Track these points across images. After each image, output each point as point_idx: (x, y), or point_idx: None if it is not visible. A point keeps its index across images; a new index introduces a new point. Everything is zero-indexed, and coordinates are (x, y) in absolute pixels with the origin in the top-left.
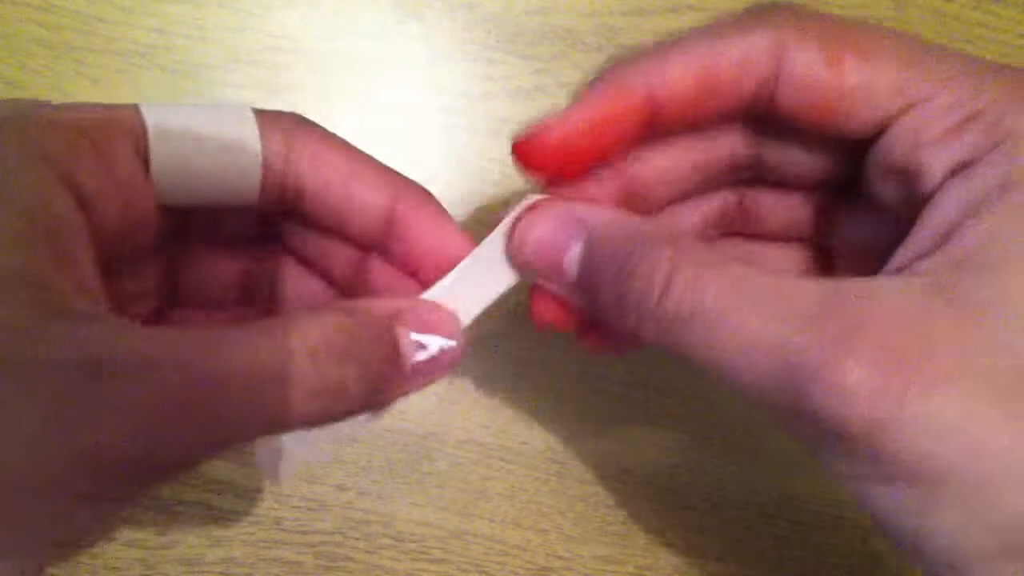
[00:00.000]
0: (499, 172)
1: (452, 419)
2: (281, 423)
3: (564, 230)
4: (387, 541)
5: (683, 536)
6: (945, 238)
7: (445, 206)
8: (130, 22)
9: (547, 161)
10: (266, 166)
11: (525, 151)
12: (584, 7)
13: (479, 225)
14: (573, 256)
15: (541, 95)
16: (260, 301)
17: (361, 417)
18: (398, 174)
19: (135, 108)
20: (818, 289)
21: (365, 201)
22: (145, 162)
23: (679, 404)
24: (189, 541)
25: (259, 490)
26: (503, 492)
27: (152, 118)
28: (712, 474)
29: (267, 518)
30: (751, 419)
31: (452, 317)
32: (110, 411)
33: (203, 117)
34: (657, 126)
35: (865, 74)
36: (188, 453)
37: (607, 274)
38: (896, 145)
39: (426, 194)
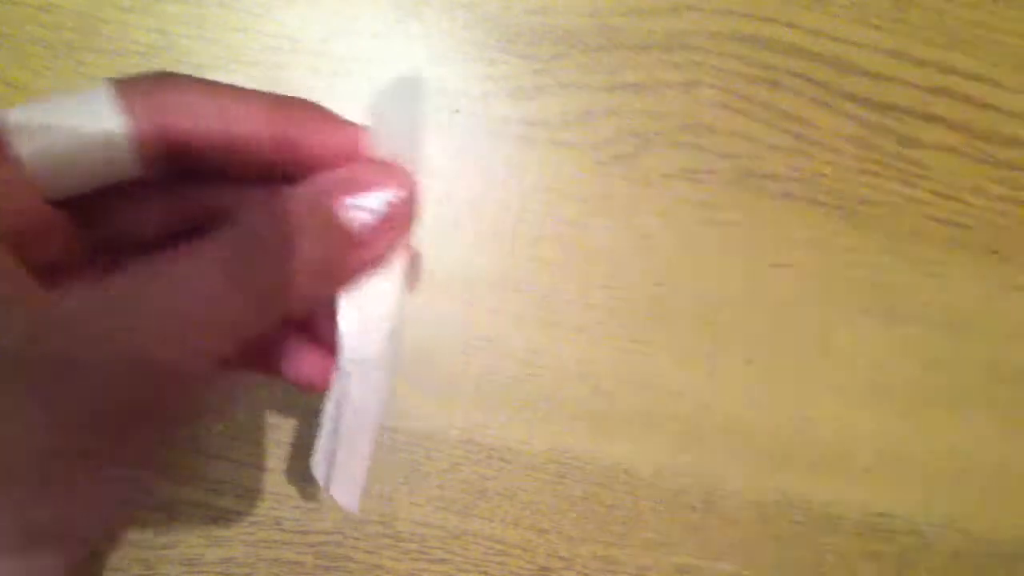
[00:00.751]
0: (500, 172)
1: (452, 419)
2: (227, 336)
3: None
4: (387, 541)
5: (683, 536)
6: None
7: (445, 206)
8: (130, 22)
9: None
10: (137, 136)
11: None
12: (584, 7)
13: (480, 225)
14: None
15: (541, 95)
16: None
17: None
18: (273, 95)
19: None
20: None
21: (246, 133)
22: (20, 162)
23: (679, 404)
24: (189, 541)
25: (259, 490)
26: (503, 492)
27: (12, 117)
28: (712, 474)
29: (267, 518)
30: (751, 419)
31: (392, 168)
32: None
33: (62, 104)
34: None
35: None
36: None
37: None
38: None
39: (305, 104)
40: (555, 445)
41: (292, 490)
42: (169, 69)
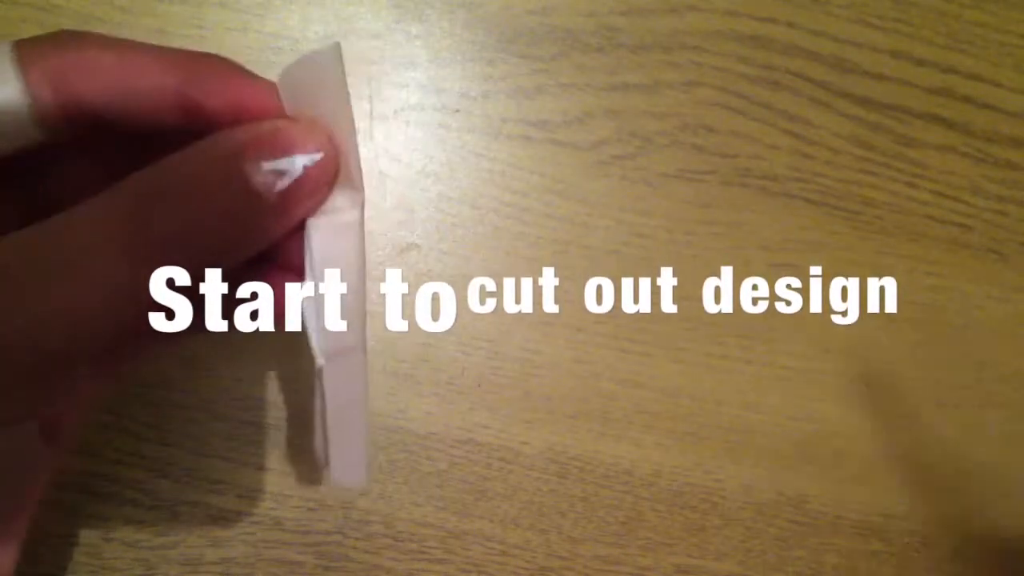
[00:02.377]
0: (500, 172)
1: (452, 419)
2: (111, 312)
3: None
4: (387, 541)
5: (683, 536)
6: None
7: (444, 206)
8: (130, 22)
9: None
10: (34, 100)
11: None
12: (584, 7)
13: (480, 225)
14: None
15: (541, 95)
16: None
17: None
18: (183, 51)
19: None
20: None
21: (148, 89)
22: None
23: (679, 404)
24: (189, 541)
25: (259, 490)
26: (503, 492)
27: None
28: (712, 474)
29: (267, 518)
30: (751, 419)
31: (309, 128)
32: None
33: None
34: None
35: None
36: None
37: None
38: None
39: (213, 58)
40: (555, 445)
41: (292, 490)
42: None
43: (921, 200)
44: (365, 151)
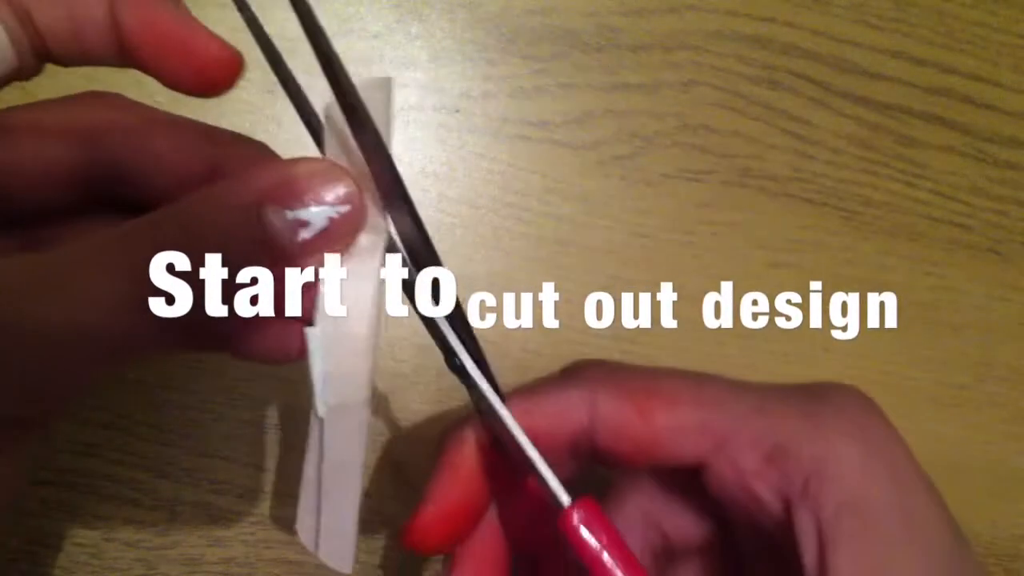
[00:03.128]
0: (500, 172)
1: (452, 419)
2: (114, 356)
3: None
4: (388, 542)
5: None
6: None
7: (444, 206)
8: None
9: (434, 544)
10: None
11: (417, 546)
12: (584, 7)
13: (480, 225)
14: None
15: (541, 95)
16: None
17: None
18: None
19: None
20: None
21: (79, 15)
22: None
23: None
24: (189, 541)
25: (259, 490)
26: None
27: None
28: None
29: (267, 518)
30: None
31: (336, 177)
32: None
33: None
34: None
35: (672, 419)
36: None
37: None
38: (725, 476)
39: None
40: None
41: (292, 490)
42: None
43: (921, 200)
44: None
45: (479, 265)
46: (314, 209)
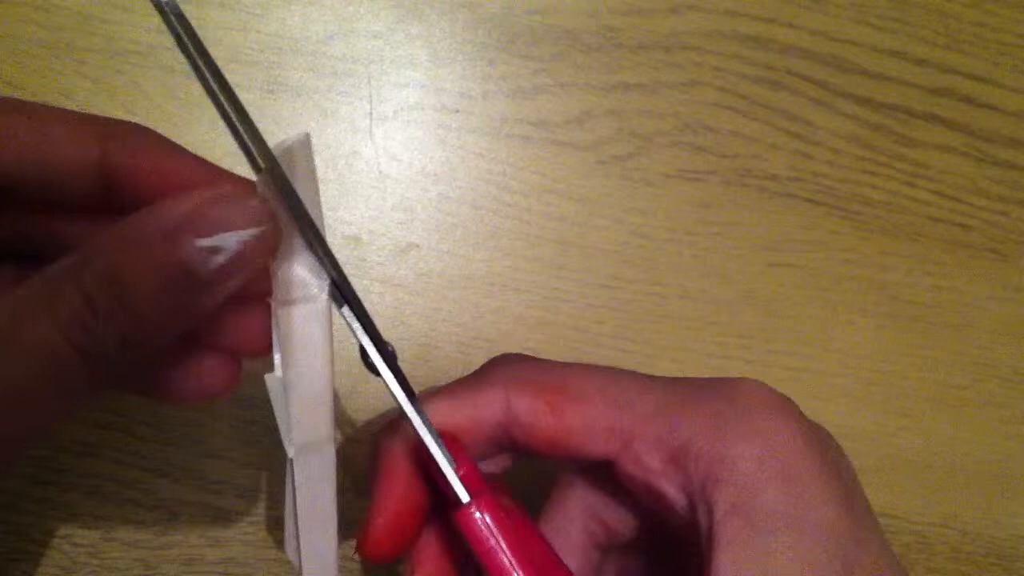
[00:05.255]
0: (499, 172)
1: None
2: (44, 402)
3: None
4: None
5: None
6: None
7: (444, 206)
8: (130, 22)
9: (387, 553)
10: None
11: (372, 558)
12: (584, 7)
13: (480, 225)
14: None
15: (541, 95)
16: None
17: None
18: (98, 118)
19: None
20: None
21: (66, 158)
22: None
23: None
24: (189, 541)
25: (259, 490)
26: None
27: None
28: None
29: (267, 518)
30: None
31: (244, 200)
32: None
33: None
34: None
35: (581, 417)
36: None
37: None
38: (632, 473)
39: (137, 128)
40: None
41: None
42: (169, 69)
43: (921, 200)
44: (365, 151)
45: (479, 265)
46: (223, 235)
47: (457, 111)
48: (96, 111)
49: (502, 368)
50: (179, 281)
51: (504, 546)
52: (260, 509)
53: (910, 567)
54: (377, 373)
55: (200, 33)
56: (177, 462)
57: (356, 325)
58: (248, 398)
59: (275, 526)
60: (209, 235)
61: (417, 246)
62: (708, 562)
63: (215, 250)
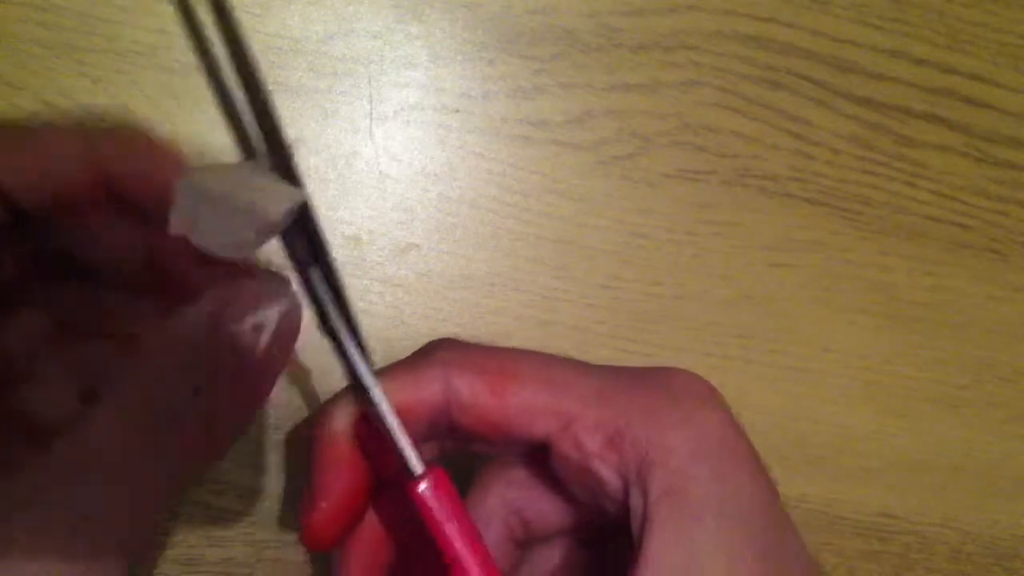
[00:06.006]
0: (499, 172)
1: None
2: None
3: None
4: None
5: None
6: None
7: (444, 206)
8: (130, 22)
9: (334, 538)
10: None
11: (315, 545)
12: (584, 7)
13: (480, 225)
14: None
15: (541, 95)
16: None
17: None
18: (86, 128)
19: None
20: None
21: (59, 171)
22: None
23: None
24: (189, 541)
25: (259, 490)
26: None
27: None
28: None
29: (267, 518)
30: (750, 419)
31: (271, 279)
32: None
33: None
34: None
35: (523, 398)
36: None
37: None
38: (569, 455)
39: (123, 134)
40: None
41: (293, 491)
42: (169, 69)
43: (921, 200)
44: (365, 151)
45: (479, 265)
46: (267, 310)
47: (457, 111)
48: (96, 111)
49: (441, 351)
50: (241, 363)
51: (459, 519)
52: (260, 509)
53: (910, 567)
54: (335, 338)
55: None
56: None
57: (321, 285)
58: None
59: (275, 526)
60: (251, 315)
61: (417, 246)
62: (639, 542)
63: (260, 327)
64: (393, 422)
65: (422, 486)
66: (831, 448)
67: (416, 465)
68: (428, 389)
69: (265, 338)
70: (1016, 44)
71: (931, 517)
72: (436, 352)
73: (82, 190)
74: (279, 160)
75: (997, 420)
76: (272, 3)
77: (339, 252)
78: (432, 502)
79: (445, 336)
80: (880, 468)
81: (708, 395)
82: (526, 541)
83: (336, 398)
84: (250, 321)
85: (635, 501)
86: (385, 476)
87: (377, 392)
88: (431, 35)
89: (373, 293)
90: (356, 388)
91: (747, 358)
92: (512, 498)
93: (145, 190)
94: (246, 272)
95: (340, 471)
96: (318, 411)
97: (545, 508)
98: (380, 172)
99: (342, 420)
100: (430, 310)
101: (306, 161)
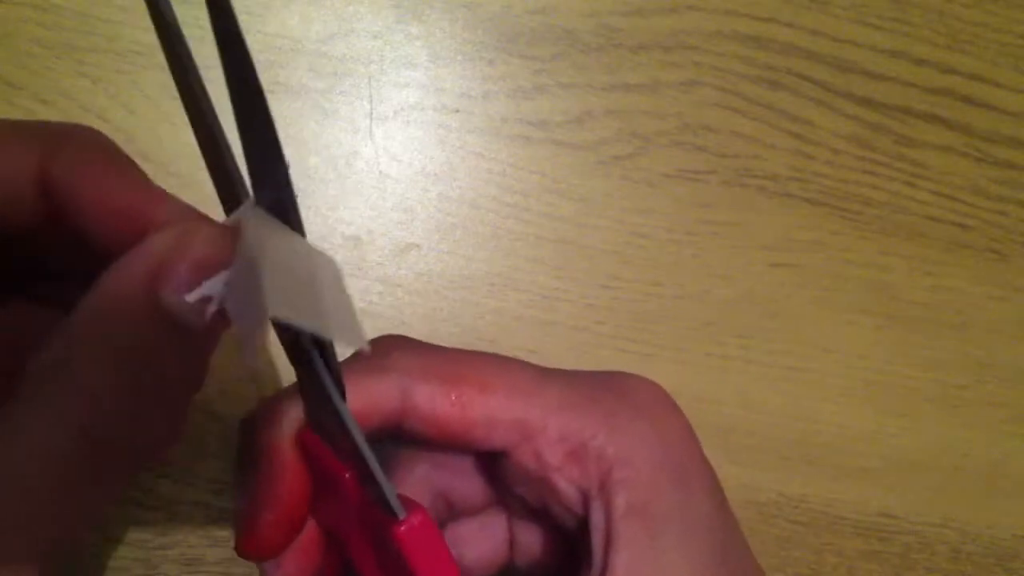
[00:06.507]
0: (499, 172)
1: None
2: (71, 510)
3: None
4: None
5: None
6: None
7: (444, 206)
8: (130, 22)
9: (275, 549)
10: None
11: (254, 555)
12: (584, 7)
13: (480, 225)
14: None
15: (541, 95)
16: None
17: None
18: (45, 126)
19: None
20: None
21: (5, 167)
22: None
23: (678, 404)
24: (189, 541)
25: None
26: None
27: None
28: None
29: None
30: (750, 419)
31: (220, 239)
32: None
33: None
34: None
35: (486, 410)
36: None
37: None
38: (527, 466)
39: (85, 138)
40: None
41: None
42: (168, 69)
43: (921, 200)
44: (365, 151)
45: (479, 265)
46: (216, 279)
47: (457, 111)
48: (96, 111)
49: (397, 354)
50: (188, 341)
51: (443, 562)
52: None
53: (910, 567)
54: (306, 363)
55: (200, 33)
56: (177, 462)
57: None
58: (248, 398)
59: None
60: (196, 284)
61: (417, 246)
62: (604, 558)
63: (206, 300)
64: (375, 466)
65: (404, 528)
66: (831, 448)
67: (399, 510)
68: (384, 397)
69: (212, 309)
70: (1016, 44)
71: (931, 517)
72: (392, 355)
73: (26, 205)
74: (276, 197)
75: (997, 420)
76: (272, 3)
77: (339, 252)
78: (416, 544)
79: (441, 334)
80: (880, 468)
81: (666, 402)
82: (449, 517)
83: (281, 401)
84: (194, 295)
85: (596, 516)
86: (322, 480)
87: (360, 438)
88: (431, 35)
89: (373, 293)
90: (316, 403)
91: (747, 358)
92: (434, 477)
93: (96, 216)
94: (182, 222)
95: (285, 480)
96: (262, 409)
97: (466, 487)
98: (380, 172)
99: (289, 427)
100: (430, 310)
101: (306, 161)
